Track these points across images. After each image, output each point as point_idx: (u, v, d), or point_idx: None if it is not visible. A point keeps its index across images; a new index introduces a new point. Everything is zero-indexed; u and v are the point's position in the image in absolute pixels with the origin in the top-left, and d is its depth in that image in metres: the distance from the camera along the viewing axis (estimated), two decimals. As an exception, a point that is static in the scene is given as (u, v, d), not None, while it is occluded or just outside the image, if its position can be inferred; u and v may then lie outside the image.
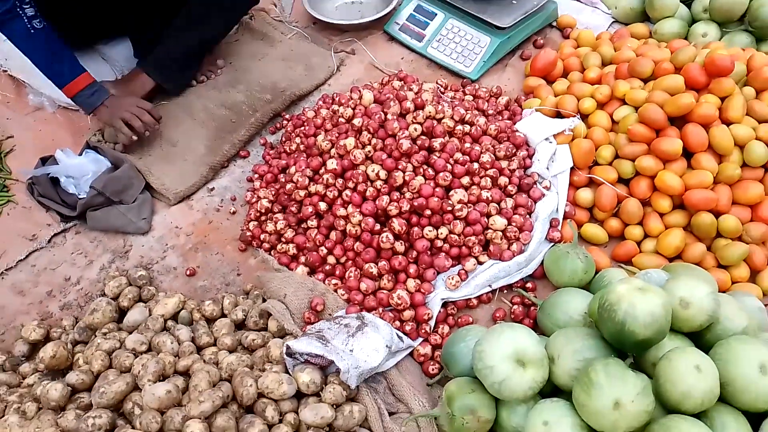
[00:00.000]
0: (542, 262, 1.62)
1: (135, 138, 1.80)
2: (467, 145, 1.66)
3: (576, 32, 2.19)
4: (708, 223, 1.57)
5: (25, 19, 1.69)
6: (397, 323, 1.49)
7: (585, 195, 1.71)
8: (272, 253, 1.66)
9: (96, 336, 1.44)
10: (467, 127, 1.70)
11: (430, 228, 1.55)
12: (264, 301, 1.52)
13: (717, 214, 1.59)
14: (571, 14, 2.29)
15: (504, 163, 1.69)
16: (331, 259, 1.59)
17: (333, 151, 1.65)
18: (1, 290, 1.64)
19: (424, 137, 1.61)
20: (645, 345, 1.20)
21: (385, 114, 1.64)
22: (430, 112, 1.65)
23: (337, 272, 1.58)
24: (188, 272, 1.66)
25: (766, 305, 1.49)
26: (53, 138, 1.98)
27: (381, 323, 1.41)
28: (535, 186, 1.70)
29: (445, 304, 1.57)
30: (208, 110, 1.99)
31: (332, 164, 1.62)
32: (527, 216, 1.65)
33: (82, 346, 1.46)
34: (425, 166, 1.59)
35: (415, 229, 1.55)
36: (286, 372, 1.30)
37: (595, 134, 1.75)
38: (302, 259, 1.62)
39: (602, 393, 1.12)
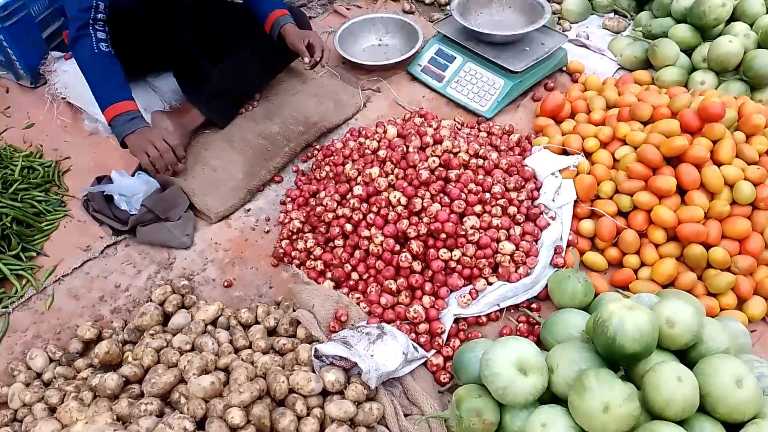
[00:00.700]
0: (546, 285, 1.78)
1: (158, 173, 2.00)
2: (480, 176, 1.84)
3: (584, 77, 2.38)
4: (699, 254, 1.73)
5: (94, 39, 1.88)
6: (413, 335, 1.65)
7: (587, 225, 1.87)
8: (302, 268, 1.84)
9: (144, 336, 1.62)
10: (481, 161, 1.88)
11: (445, 250, 1.73)
12: (294, 311, 1.68)
13: (707, 246, 1.74)
14: (580, 60, 2.49)
15: (513, 194, 1.86)
16: (354, 275, 1.76)
17: (359, 178, 1.84)
18: (58, 294, 1.83)
19: (441, 168, 1.80)
20: (634, 358, 1.35)
21: (407, 147, 1.83)
22: (447, 147, 1.83)
23: (360, 287, 1.75)
24: (225, 283, 1.84)
25: (751, 331, 1.63)
26: (106, 160, 2.19)
27: (399, 333, 1.57)
28: (541, 216, 1.87)
29: (456, 320, 1.72)
30: (247, 140, 2.19)
31: (358, 190, 1.80)
32: (533, 242, 1.81)
33: (130, 346, 1.64)
34: (442, 195, 1.77)
35: (431, 250, 1.72)
36: (314, 372, 1.46)
37: (597, 170, 1.92)
38: (329, 274, 1.79)
39: (593, 397, 1.26)
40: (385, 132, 1.94)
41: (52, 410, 1.48)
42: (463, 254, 1.73)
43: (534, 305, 1.77)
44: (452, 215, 1.74)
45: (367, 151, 1.92)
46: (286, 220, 1.94)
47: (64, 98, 2.38)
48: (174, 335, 1.60)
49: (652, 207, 1.79)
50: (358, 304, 1.70)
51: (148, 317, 1.66)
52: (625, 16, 2.72)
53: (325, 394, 1.43)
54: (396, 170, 1.80)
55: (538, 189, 1.93)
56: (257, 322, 1.68)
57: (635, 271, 1.80)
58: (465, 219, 1.75)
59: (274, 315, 1.69)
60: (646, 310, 1.36)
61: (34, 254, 1.91)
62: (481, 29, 2.33)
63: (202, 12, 2.25)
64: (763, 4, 2.32)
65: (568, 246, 1.85)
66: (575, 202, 1.90)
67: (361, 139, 1.99)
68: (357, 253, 1.77)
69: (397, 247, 1.74)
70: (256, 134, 2.21)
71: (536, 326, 1.71)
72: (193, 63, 2.20)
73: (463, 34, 2.40)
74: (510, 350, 1.42)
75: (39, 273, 1.87)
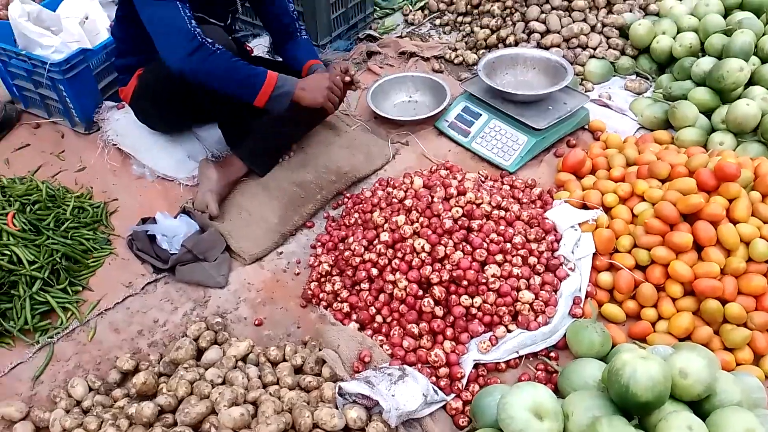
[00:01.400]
0: (565, 335, 1.83)
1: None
2: (502, 227, 1.92)
3: (605, 135, 2.48)
4: (715, 309, 1.77)
5: (208, 44, 1.96)
6: (434, 378, 1.71)
7: (605, 278, 1.93)
8: (329, 310, 1.93)
9: (179, 369, 1.72)
10: (503, 212, 1.97)
11: (466, 297, 1.80)
12: (320, 350, 1.76)
13: (724, 301, 1.78)
14: (601, 119, 2.59)
15: (534, 245, 1.94)
16: (379, 318, 1.84)
17: (386, 225, 1.94)
18: (100, 327, 1.95)
19: (464, 218, 1.89)
20: (647, 407, 1.38)
21: (432, 197, 1.94)
22: (470, 198, 1.93)
23: (384, 330, 1.83)
24: (256, 322, 1.93)
25: (768, 387, 1.65)
26: (151, 203, 2.34)
27: (419, 376, 1.63)
28: (560, 267, 1.93)
29: (476, 366, 1.77)
30: (282, 187, 2.33)
31: (385, 236, 1.90)
32: (553, 293, 1.88)
33: (165, 378, 1.73)
34: (464, 243, 1.86)
35: (453, 296, 1.80)
36: (337, 409, 1.53)
37: (616, 225, 1.99)
38: (354, 316, 1.87)
39: (605, 443, 1.31)
40: (411, 182, 2.05)
41: (90, 436, 1.57)
42: (484, 301, 1.80)
43: (552, 354, 1.82)
44: (474, 263, 1.82)
45: (394, 200, 2.03)
46: (316, 264, 2.05)
47: (115, 144, 2.56)
48: (207, 369, 1.69)
49: (669, 262, 1.85)
50: (381, 346, 1.78)
51: (183, 351, 1.76)
52: (647, 79, 2.83)
53: (347, 430, 1.49)
54: (421, 219, 1.90)
55: (558, 241, 2.00)
56: (285, 360, 1.77)
57: (653, 324, 1.85)
58: (486, 267, 1.83)
59: (301, 354, 1.77)
60: (659, 360, 1.40)
61: (80, 288, 2.04)
62: (506, 89, 2.46)
63: None
64: (781, 70, 2.41)
65: (586, 297, 1.91)
66: (594, 254, 1.97)
67: (389, 189, 2.11)
68: (381, 297, 1.86)
69: (420, 292, 1.82)
70: (291, 182, 2.35)
71: (554, 374, 1.75)
72: (238, 118, 2.37)
73: (489, 93, 2.54)
74: (527, 395, 1.47)
75: (83, 306, 2.00)
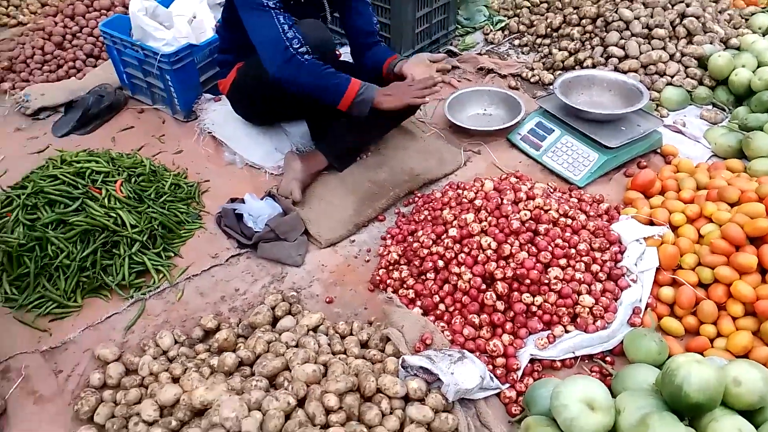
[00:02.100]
0: (622, 342, 1.88)
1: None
2: (567, 234, 2.00)
3: (677, 160, 2.51)
4: (776, 330, 1.79)
5: (298, 55, 2.15)
6: (490, 367, 1.80)
7: (667, 292, 1.97)
8: (395, 295, 2.05)
9: (256, 331, 1.88)
10: (569, 221, 2.05)
11: (528, 295, 1.89)
12: (385, 329, 1.89)
13: (786, 324, 1.80)
14: (674, 144, 2.63)
15: (598, 254, 2.01)
16: (441, 307, 1.95)
17: (455, 222, 2.06)
18: (187, 290, 2.14)
19: (531, 222, 1.98)
20: (698, 409, 1.43)
21: (502, 199, 2.04)
22: (539, 203, 2.03)
23: (445, 318, 1.93)
24: (327, 300, 2.08)
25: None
26: (238, 187, 2.54)
27: (477, 360, 1.73)
28: (623, 277, 1.99)
29: (531, 361, 1.85)
30: (358, 183, 2.49)
31: (453, 232, 2.02)
32: (613, 300, 1.94)
33: (243, 339, 1.90)
34: (530, 245, 1.95)
35: (515, 293, 1.89)
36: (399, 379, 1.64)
37: (681, 243, 2.03)
38: (418, 303, 1.99)
39: (655, 435, 1.37)
40: (482, 185, 2.16)
41: (175, 380, 1.74)
42: (545, 301, 1.88)
43: (608, 358, 1.88)
44: (538, 264, 1.91)
45: (464, 200, 2.14)
46: (385, 253, 2.18)
47: (210, 132, 2.80)
48: (281, 334, 1.85)
49: (732, 281, 1.88)
50: (442, 332, 1.88)
51: (261, 316, 1.92)
52: (723, 110, 2.85)
53: (407, 400, 1.61)
54: (489, 218, 2.01)
55: (621, 252, 2.06)
56: (352, 334, 1.90)
57: (711, 340, 1.87)
58: (549, 269, 1.91)
59: (367, 331, 1.90)
60: (713, 365, 1.46)
61: (172, 255, 2.25)
62: (581, 107, 2.55)
63: None
64: None
65: (646, 308, 1.95)
66: (657, 269, 2.01)
67: (459, 191, 2.22)
68: (446, 287, 1.97)
69: (483, 286, 1.92)
70: (367, 179, 2.51)
71: (608, 377, 1.81)
72: (324, 118, 2.57)
73: (563, 110, 2.63)
74: (580, 386, 1.54)
75: (174, 270, 2.20)
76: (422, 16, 3.25)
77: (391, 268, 2.13)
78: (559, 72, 3.16)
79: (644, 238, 2.07)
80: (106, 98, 2.98)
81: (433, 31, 3.39)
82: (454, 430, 1.57)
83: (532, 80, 3.19)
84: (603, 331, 1.87)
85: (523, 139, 2.69)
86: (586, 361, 1.89)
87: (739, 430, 1.36)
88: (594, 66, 3.02)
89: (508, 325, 1.88)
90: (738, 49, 3.01)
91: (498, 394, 1.77)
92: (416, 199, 2.47)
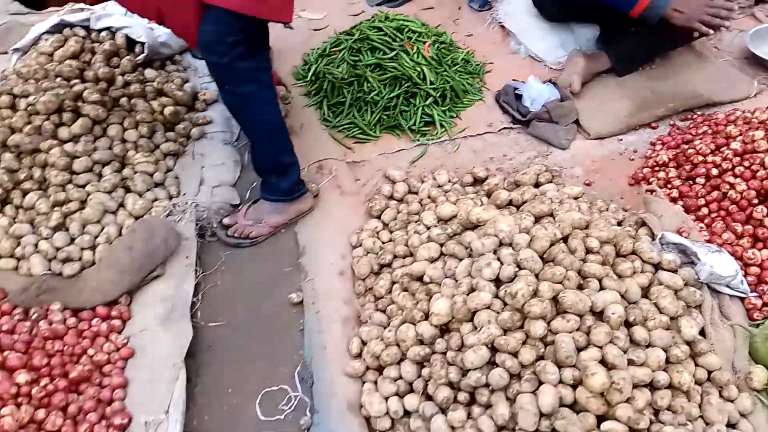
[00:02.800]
0: None
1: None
2: None
3: None
4: None
5: None
6: (743, 273, 1.84)
7: None
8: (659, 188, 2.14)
9: (521, 187, 2.12)
10: None
11: (802, 219, 1.86)
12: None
13: None
14: None
15: None
16: (704, 210, 2.00)
17: (739, 138, 2.05)
18: (462, 146, 2.45)
19: (829, 150, 1.91)
20: None
21: (800, 124, 1.98)
22: (843, 135, 1.93)
23: (706, 221, 1.99)
24: (587, 182, 2.25)
25: None
26: (519, 73, 2.75)
27: (733, 259, 1.78)
28: None
29: (785, 282, 1.85)
30: (637, 89, 2.55)
31: (735, 145, 2.02)
32: None
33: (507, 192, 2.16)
34: (821, 172, 1.89)
35: (790, 215, 1.87)
36: (653, 251, 1.78)
37: None
38: (680, 203, 2.06)
39: None
40: (777, 110, 2.10)
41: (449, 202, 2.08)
42: (822, 230, 1.84)
43: None
44: (823, 191, 1.85)
45: (754, 120, 2.11)
46: (654, 155, 2.25)
47: (500, 23, 3.03)
48: (545, 193, 2.07)
49: None
50: (700, 231, 1.95)
51: (527, 177, 2.16)
52: None
53: (659, 267, 1.74)
54: (780, 140, 1.97)
55: None
56: (608, 211, 2.06)
57: None
58: (835, 199, 1.85)
59: (622, 213, 2.04)
60: None
61: (455, 115, 2.58)
62: None
63: None
64: None
65: None
66: None
67: (747, 114, 2.18)
68: (714, 194, 2.00)
69: (756, 201, 1.92)
70: (647, 88, 2.55)
71: None
72: (617, 23, 2.63)
73: None
74: None
75: (454, 129, 2.53)
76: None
77: (657, 168, 2.21)
78: None
79: None
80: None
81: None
82: (698, 306, 1.68)
83: None
84: None
85: (833, 82, 2.48)
86: None
87: None
88: None
89: (772, 243, 1.88)
90: None
91: (742, 300, 1.82)
92: (695, 116, 2.46)
